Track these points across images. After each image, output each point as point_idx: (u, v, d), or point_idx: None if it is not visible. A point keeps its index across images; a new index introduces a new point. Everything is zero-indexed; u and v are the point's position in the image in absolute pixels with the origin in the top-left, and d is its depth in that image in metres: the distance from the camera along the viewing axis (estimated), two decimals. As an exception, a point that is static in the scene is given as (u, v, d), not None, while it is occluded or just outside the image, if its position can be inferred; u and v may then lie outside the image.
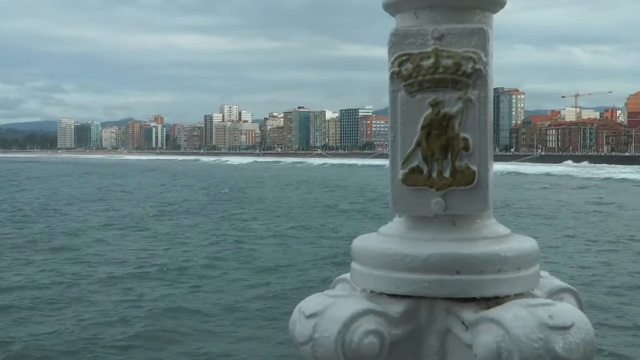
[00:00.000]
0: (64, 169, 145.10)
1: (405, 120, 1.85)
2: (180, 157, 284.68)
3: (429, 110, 1.82)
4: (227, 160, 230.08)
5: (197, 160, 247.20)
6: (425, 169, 1.84)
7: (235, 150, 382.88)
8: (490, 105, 1.86)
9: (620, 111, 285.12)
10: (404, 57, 1.84)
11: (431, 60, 1.82)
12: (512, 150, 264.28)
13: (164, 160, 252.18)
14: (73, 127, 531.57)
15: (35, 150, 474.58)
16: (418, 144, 1.84)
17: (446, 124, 1.82)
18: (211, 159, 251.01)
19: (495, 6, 1.94)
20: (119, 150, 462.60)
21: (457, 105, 1.81)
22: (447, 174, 1.83)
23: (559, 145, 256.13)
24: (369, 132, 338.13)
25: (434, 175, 1.84)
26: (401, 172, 1.85)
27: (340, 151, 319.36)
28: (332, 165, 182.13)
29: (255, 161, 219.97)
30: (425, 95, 1.83)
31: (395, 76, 1.85)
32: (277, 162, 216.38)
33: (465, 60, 1.80)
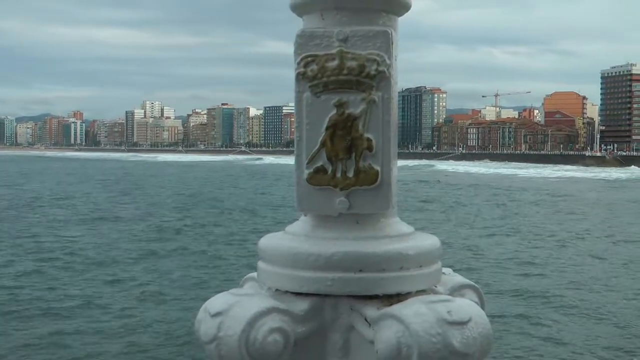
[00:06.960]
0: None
1: (310, 121, 1.87)
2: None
3: (334, 111, 1.85)
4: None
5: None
6: (330, 169, 1.87)
7: (157, 147, 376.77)
8: (395, 107, 1.90)
9: (537, 111, 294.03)
10: (309, 59, 1.86)
11: (336, 62, 1.85)
12: (434, 148, 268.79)
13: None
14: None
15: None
16: (323, 144, 1.86)
17: (350, 125, 1.85)
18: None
19: (400, 9, 1.98)
20: (35, 146, 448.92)
21: (361, 106, 1.84)
22: (351, 174, 1.86)
23: (479, 144, 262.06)
24: (292, 129, 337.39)
25: (338, 175, 1.87)
26: (306, 172, 1.88)
27: (264, 148, 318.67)
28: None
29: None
30: (330, 96, 1.85)
31: (300, 77, 1.87)
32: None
33: (369, 62, 1.84)
